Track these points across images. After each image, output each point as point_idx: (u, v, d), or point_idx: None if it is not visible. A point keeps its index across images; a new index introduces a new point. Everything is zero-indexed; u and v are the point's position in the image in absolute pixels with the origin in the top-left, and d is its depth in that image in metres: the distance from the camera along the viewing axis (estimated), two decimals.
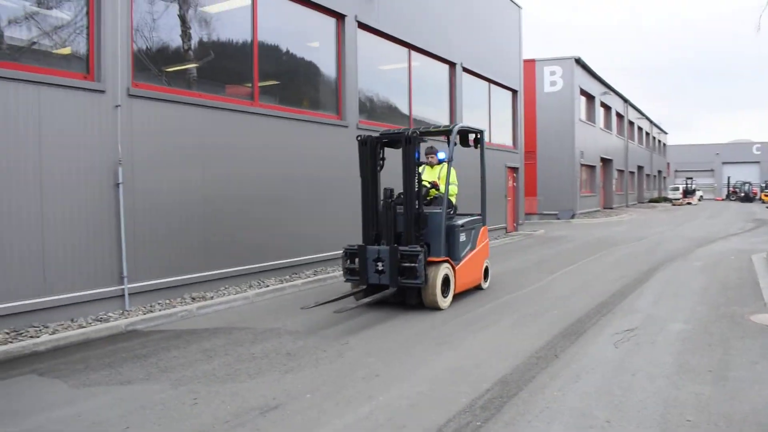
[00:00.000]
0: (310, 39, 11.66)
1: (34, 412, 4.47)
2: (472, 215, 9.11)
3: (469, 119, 17.13)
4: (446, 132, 9.06)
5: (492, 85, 19.32)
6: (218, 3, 9.55)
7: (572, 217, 28.12)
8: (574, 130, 29.37)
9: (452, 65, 16.49)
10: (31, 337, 6.24)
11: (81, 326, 6.69)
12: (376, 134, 8.31)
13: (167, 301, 8.00)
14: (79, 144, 7.14)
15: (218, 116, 9.01)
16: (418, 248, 7.49)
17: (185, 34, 8.99)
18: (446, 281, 7.86)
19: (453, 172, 8.49)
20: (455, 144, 8.46)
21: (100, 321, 6.98)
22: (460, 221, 8.51)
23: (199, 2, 9.12)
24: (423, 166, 8.72)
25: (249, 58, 9.91)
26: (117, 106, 7.55)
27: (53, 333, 6.39)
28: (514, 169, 20.91)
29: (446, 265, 7.86)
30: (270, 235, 9.85)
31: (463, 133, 9.16)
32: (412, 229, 7.64)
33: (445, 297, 7.82)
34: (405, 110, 14.64)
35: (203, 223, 8.75)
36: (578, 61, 29.88)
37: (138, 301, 7.73)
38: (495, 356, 5.68)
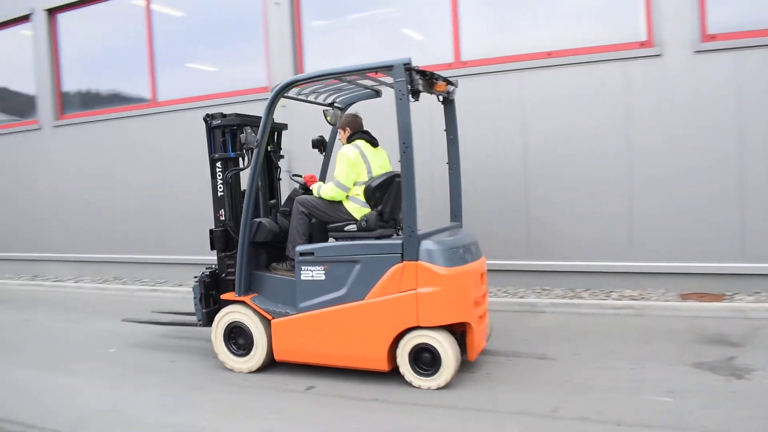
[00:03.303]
0: None
1: None
2: (388, 235, 5.06)
3: None
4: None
5: None
6: None
7: None
8: None
9: None
10: None
11: None
12: None
13: None
14: None
15: None
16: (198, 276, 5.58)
17: None
18: (241, 333, 5.17)
19: (341, 160, 5.07)
20: (269, 114, 5.11)
21: None
22: (307, 247, 4.99)
23: None
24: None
25: None
26: None
27: None
28: None
29: (241, 309, 5.15)
30: None
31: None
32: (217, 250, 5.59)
33: (239, 356, 5.17)
34: None
35: None
36: None
37: None
38: None
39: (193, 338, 6.21)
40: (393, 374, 4.67)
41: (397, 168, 4.87)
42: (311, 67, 8.69)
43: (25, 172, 11.25)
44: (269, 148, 5.93)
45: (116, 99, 10.52)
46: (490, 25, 7.77)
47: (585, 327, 5.97)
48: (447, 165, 5.54)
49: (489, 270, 6.76)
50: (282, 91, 5.07)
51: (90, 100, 10.82)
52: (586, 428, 3.69)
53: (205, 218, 6.52)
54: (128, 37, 10.22)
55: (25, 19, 11.08)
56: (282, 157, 6.28)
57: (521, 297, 7.03)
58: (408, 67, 4.51)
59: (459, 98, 7.02)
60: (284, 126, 6.27)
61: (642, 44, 6.90)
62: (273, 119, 5.21)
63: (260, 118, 5.26)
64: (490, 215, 7.46)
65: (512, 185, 7.44)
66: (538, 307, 6.68)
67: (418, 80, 4.65)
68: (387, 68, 4.62)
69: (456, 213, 5.61)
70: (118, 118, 10.10)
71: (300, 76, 5.15)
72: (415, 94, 4.64)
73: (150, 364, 5.57)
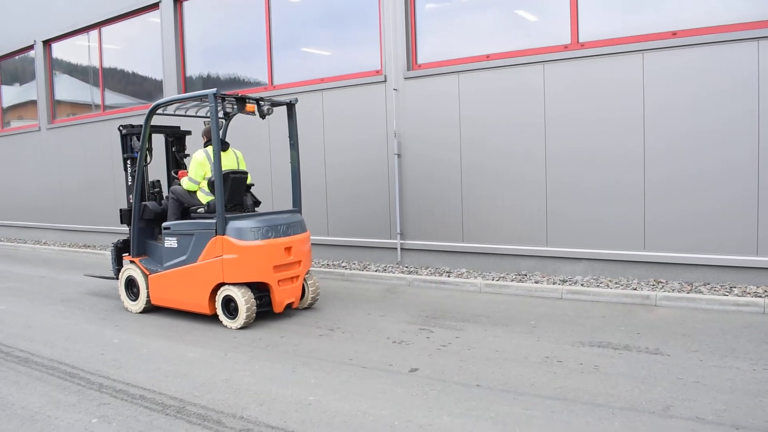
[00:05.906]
0: None
1: None
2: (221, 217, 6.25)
3: None
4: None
5: None
6: None
7: None
8: None
9: None
10: None
11: None
12: None
13: None
14: None
15: None
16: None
17: None
18: (134, 284, 7.05)
19: (193, 163, 6.75)
20: (146, 131, 6.89)
21: None
22: (168, 223, 6.75)
23: None
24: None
25: None
26: None
27: None
28: None
29: (132, 266, 7.05)
30: None
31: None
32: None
33: (133, 301, 7.06)
34: None
35: None
36: None
37: None
38: None
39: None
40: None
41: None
42: (424, 51, 8.67)
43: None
44: (174, 149, 7.76)
45: (235, 83, 10.95)
46: (612, 3, 7.28)
47: (703, 323, 5.64)
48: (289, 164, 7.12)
49: (597, 259, 7.48)
50: (151, 113, 6.80)
51: (210, 84, 11.23)
52: (701, 429, 3.49)
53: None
54: (248, 23, 10.62)
55: (154, 7, 11.86)
56: (187, 156, 7.76)
57: (634, 289, 6.77)
58: (217, 96, 6.13)
59: (574, 82, 6.85)
60: (188, 132, 7.94)
61: None
62: (151, 128, 6.98)
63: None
64: (600, 200, 7.28)
65: (630, 173, 7.05)
66: (652, 300, 6.43)
67: (229, 105, 6.38)
68: (204, 97, 6.28)
69: (295, 201, 7.10)
70: None
71: (160, 100, 6.82)
72: (226, 114, 6.59)
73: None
